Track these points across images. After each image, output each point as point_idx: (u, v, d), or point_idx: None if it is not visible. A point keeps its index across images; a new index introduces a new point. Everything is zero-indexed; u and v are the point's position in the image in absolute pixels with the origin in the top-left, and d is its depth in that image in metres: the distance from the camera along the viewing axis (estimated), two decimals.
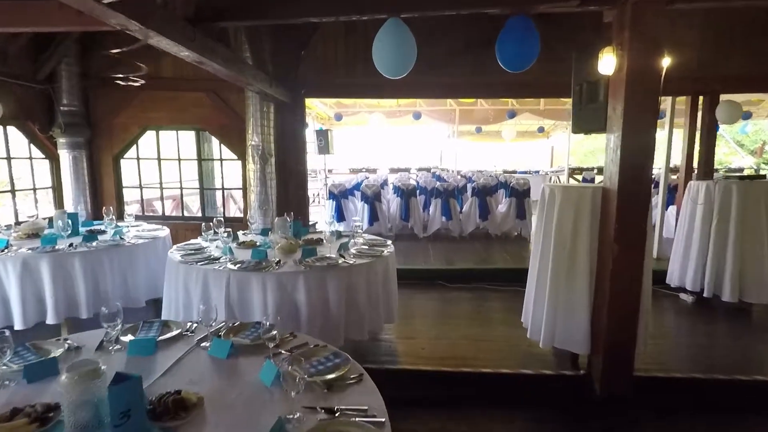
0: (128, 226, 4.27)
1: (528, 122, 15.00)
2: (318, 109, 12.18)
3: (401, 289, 3.63)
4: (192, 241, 3.68)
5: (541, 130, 14.93)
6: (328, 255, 3.09)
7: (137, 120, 5.40)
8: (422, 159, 18.60)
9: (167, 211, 6.83)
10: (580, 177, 16.08)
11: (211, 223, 3.64)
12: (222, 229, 3.49)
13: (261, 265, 2.82)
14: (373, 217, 7.11)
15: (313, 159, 12.48)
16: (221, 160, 5.57)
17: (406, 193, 7.15)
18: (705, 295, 4.42)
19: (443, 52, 5.05)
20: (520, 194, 7.04)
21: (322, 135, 11.75)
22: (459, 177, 10.92)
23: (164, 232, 4.21)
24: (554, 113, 11.43)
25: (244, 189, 5.27)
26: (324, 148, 11.79)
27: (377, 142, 22.05)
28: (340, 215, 7.38)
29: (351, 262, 2.97)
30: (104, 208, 4.20)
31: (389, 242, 3.62)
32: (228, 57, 3.24)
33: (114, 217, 4.03)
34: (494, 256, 6.35)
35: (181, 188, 5.65)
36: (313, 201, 12.35)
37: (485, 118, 11.85)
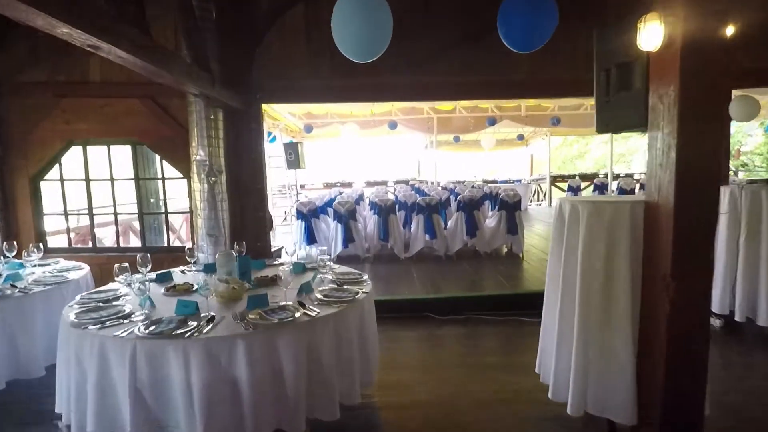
0: (40, 265, 3.36)
1: (507, 130, 14.59)
2: (287, 121, 11.39)
3: (381, 326, 2.87)
4: (109, 286, 2.81)
5: (520, 137, 14.52)
6: (283, 303, 2.29)
7: (59, 133, 4.49)
8: (399, 171, 17.99)
9: (112, 241, 5.88)
10: (564, 185, 15.76)
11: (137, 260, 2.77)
12: (146, 269, 2.63)
13: (186, 326, 1.99)
14: (348, 238, 6.32)
15: (283, 174, 11.63)
16: (163, 178, 4.70)
17: (384, 210, 6.40)
18: (736, 318, 3.81)
19: (425, 48, 4.36)
20: (510, 207, 6.39)
21: (292, 148, 10.94)
22: (440, 189, 10.27)
23: (80, 272, 3.31)
24: (535, 119, 10.97)
25: (192, 213, 4.41)
26: (294, 162, 10.98)
27: (352, 154, 21.34)
28: (310, 237, 6.55)
29: (314, 313, 2.17)
30: (5, 243, 3.29)
31: (365, 277, 2.85)
32: (143, 43, 2.42)
33: (9, 253, 3.12)
34: (486, 279, 5.64)
35: (116, 213, 4.73)
36: (285, 220, 11.45)
37: (464, 127, 11.29)
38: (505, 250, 6.89)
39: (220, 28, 4.03)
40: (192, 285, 2.71)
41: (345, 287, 2.62)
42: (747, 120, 5.48)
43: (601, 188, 9.59)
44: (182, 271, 3.21)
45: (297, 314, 2.13)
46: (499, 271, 5.84)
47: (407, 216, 7.32)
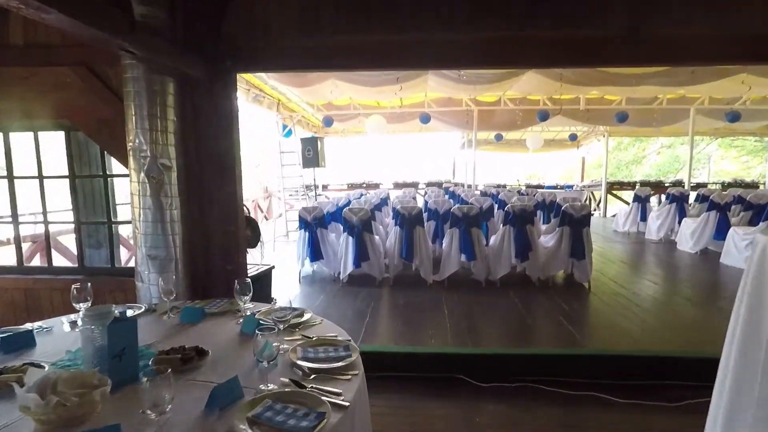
0: None
1: (557, 128, 12.84)
2: (305, 113, 10.18)
3: (392, 393, 1.89)
4: None
5: (573, 137, 12.74)
6: None
7: None
8: (432, 172, 16.53)
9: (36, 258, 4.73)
10: (626, 194, 13.76)
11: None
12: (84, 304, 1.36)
13: None
14: (361, 255, 4.96)
15: (306, 173, 10.39)
16: (105, 176, 3.49)
17: (408, 221, 4.99)
18: None
19: None
20: (575, 222, 4.83)
21: (311, 144, 9.70)
22: (479, 195, 8.75)
23: None
24: (598, 115, 9.23)
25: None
26: (312, 159, 9.73)
27: (380, 153, 20.04)
28: (315, 252, 5.24)
29: None
30: None
31: (353, 354, 1.49)
32: None
33: None
34: (543, 320, 4.14)
35: (46, 222, 3.57)
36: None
37: (510, 122, 9.69)
38: (562, 274, 5.34)
39: None
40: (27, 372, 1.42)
41: (319, 381, 1.26)
42: None
43: (680, 199, 7.80)
44: (73, 323, 1.95)
45: None
46: (559, 309, 4.32)
47: (438, 227, 5.89)
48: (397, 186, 13.33)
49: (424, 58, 3.19)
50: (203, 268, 3.16)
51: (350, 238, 5.01)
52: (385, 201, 8.02)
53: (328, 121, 9.65)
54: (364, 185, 13.30)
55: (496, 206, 7.16)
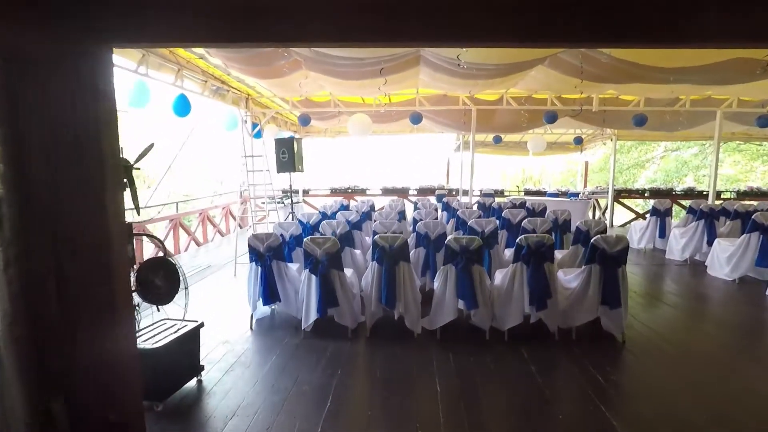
0: None
1: (560, 131, 11.74)
2: (282, 109, 8.97)
3: None
4: None
5: (578, 141, 11.64)
6: None
7: None
8: (425, 176, 15.38)
9: None
10: (631, 202, 12.67)
11: None
12: None
13: None
14: (327, 300, 3.77)
15: (271, 180, 9.05)
16: None
17: (389, 256, 3.80)
18: None
19: None
20: (609, 260, 3.68)
21: (286, 145, 8.45)
22: (476, 207, 7.63)
23: None
24: (613, 117, 8.11)
25: None
26: (288, 163, 8.48)
27: (368, 154, 18.86)
28: (269, 292, 4.04)
29: None
30: None
31: None
32: None
33: None
34: (567, 394, 3.01)
35: None
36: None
37: (512, 123, 8.55)
38: (589, 322, 4.20)
39: None
40: None
41: None
42: None
43: (709, 216, 6.71)
44: None
45: None
46: (587, 376, 3.19)
47: (430, 257, 4.73)
48: (386, 192, 12.15)
49: (405, 35, 1.99)
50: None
51: (313, 277, 3.83)
52: (367, 215, 6.84)
53: (304, 120, 8.44)
54: (350, 190, 12.11)
55: (499, 224, 6.03)
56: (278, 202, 10.01)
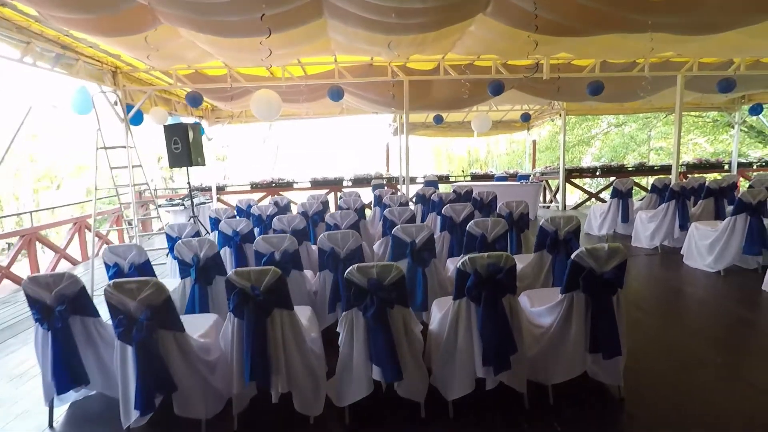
0: None
1: (506, 107, 10.64)
2: (169, 86, 7.13)
3: None
4: None
5: (525, 117, 10.57)
6: None
7: None
8: (363, 163, 13.92)
9: None
10: (582, 181, 11.77)
11: None
12: None
13: None
14: (157, 382, 2.22)
15: (147, 180, 6.95)
16: None
17: (254, 304, 2.28)
18: None
19: None
20: (601, 284, 2.38)
21: (178, 133, 6.65)
22: (413, 203, 6.28)
23: None
24: (567, 88, 6.96)
25: None
26: (182, 155, 6.68)
27: (299, 141, 17.05)
28: (66, 373, 2.41)
29: None
30: None
31: None
32: None
33: None
34: None
35: None
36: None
37: (453, 97, 7.21)
38: (573, 377, 2.90)
39: None
40: None
41: None
42: None
43: (680, 196, 5.73)
44: None
45: None
46: None
47: (339, 284, 3.27)
48: (316, 185, 10.55)
49: None
50: None
51: (127, 348, 2.25)
52: (266, 224, 5.22)
53: (194, 99, 6.63)
54: (273, 185, 10.39)
55: (440, 225, 4.67)
56: (177, 205, 8.17)
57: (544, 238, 3.44)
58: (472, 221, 3.43)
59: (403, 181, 8.40)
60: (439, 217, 4.94)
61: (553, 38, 4.80)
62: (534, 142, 12.97)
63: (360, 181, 10.58)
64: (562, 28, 4.24)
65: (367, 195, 9.04)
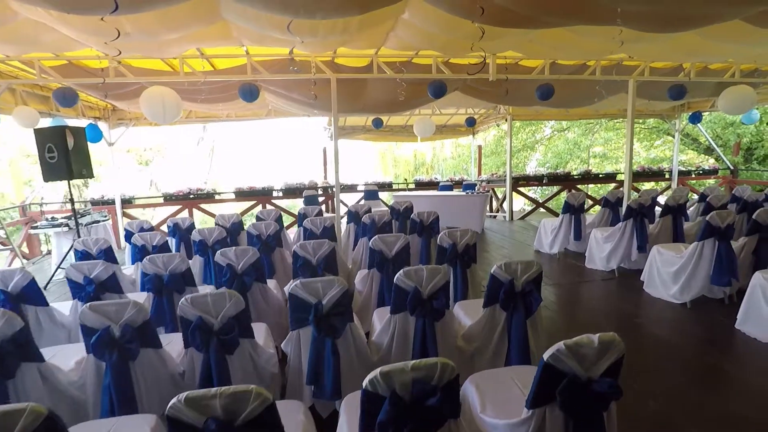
0: None
1: (450, 110, 9.94)
2: (41, 80, 5.69)
3: None
4: None
5: (470, 122, 9.93)
6: None
7: None
8: (301, 172, 12.76)
9: None
10: (529, 190, 11.33)
11: None
12: None
13: None
14: None
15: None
16: None
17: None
18: None
19: None
20: (588, 399, 1.52)
21: (55, 139, 5.21)
22: (346, 220, 5.31)
23: None
24: (516, 91, 6.27)
25: None
26: (58, 166, 5.29)
27: (242, 146, 15.61)
28: None
29: None
30: None
31: None
32: None
33: None
34: None
35: None
36: None
37: (389, 99, 6.30)
38: None
39: None
40: None
41: None
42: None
43: (639, 214, 5.17)
44: None
45: None
46: None
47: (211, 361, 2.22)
48: (242, 196, 9.28)
49: None
50: None
51: None
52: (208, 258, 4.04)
53: (65, 98, 5.25)
54: (192, 196, 9.00)
55: (368, 261, 3.74)
56: (59, 225, 6.65)
57: (496, 289, 2.57)
58: (401, 273, 2.49)
59: (332, 189, 7.36)
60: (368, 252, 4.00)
61: (501, 31, 4.01)
62: (479, 147, 12.42)
63: (293, 191, 9.45)
64: (513, 17, 3.43)
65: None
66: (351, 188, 10.72)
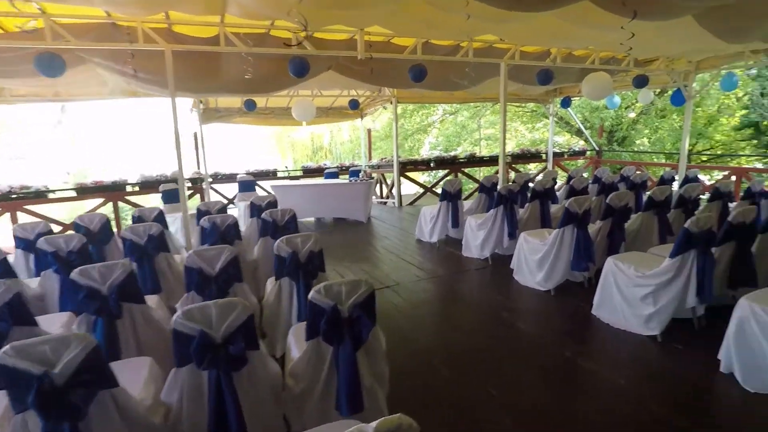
0: None
1: (331, 92, 9.32)
2: None
3: None
4: None
5: (354, 105, 9.39)
6: None
7: None
8: (162, 162, 11.23)
9: None
10: (417, 176, 11.15)
11: None
12: None
13: None
14: None
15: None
16: None
17: None
18: None
19: None
20: None
21: None
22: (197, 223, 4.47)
23: None
24: (384, 69, 5.80)
25: None
26: None
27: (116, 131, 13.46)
28: None
29: None
30: None
31: None
32: None
33: None
34: None
35: None
36: None
37: (245, 80, 5.45)
38: None
39: None
40: None
41: None
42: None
43: (508, 200, 5.07)
44: None
45: None
46: None
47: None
48: (84, 192, 7.75)
49: None
50: None
51: None
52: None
53: None
54: (13, 196, 7.26)
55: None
56: None
57: (317, 318, 2.05)
58: (181, 315, 1.85)
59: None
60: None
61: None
62: (369, 131, 12.00)
63: (152, 185, 8.14)
64: None
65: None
66: (230, 177, 9.65)
